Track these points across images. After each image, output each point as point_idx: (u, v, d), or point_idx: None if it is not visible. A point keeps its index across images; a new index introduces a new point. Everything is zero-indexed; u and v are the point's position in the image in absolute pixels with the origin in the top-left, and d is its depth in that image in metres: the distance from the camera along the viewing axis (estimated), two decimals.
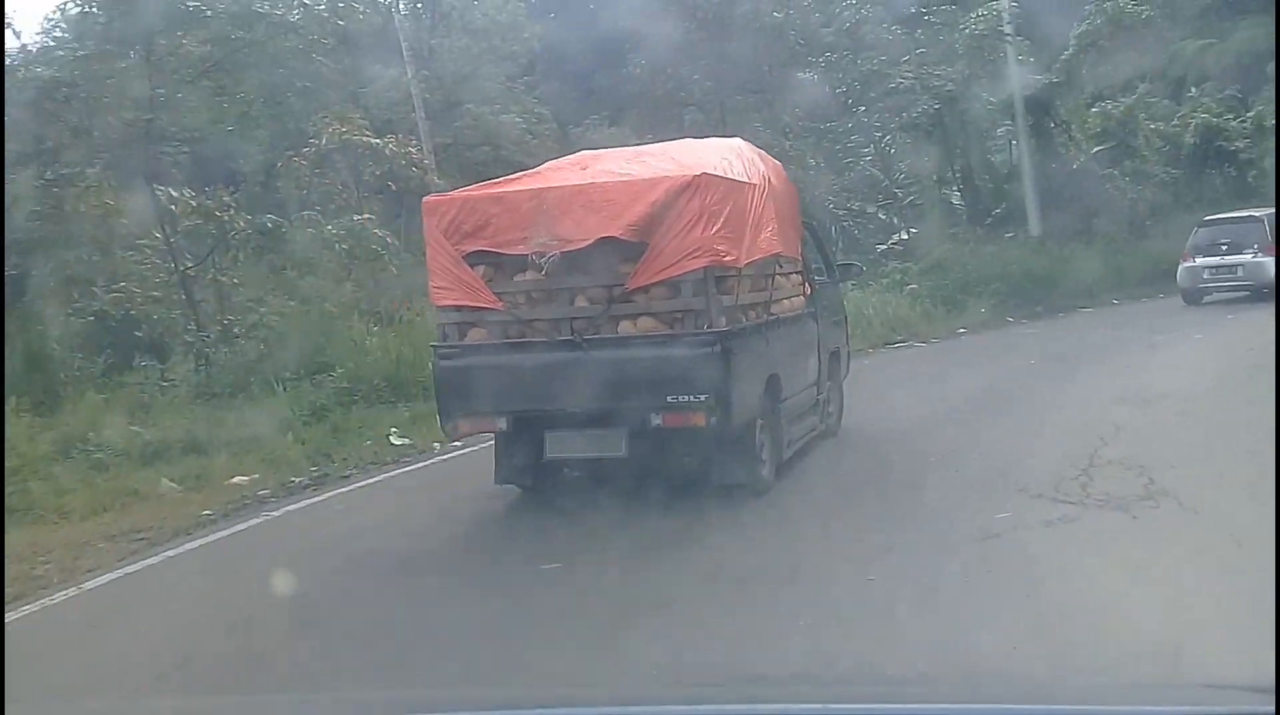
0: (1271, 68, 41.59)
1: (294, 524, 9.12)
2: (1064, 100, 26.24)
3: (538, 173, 8.70)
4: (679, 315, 7.49)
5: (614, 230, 7.27)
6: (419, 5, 39.35)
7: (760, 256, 8.22)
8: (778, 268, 8.77)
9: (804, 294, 9.59)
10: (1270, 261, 18.78)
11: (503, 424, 7.87)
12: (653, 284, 7.40)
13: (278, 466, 10.92)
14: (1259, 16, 48.29)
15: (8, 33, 17.94)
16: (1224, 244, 19.42)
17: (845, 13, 25.72)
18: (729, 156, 8.54)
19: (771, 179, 8.84)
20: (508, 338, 7.74)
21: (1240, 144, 28.25)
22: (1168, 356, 14.20)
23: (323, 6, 20.71)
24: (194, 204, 16.53)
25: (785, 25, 25.43)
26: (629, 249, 7.36)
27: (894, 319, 19.27)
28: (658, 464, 7.87)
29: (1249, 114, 30.06)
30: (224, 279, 16.55)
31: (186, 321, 16.14)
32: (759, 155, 9.27)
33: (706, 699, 2.57)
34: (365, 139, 19.72)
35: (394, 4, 34.48)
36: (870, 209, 27.22)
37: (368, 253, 16.50)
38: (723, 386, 7.33)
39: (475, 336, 7.82)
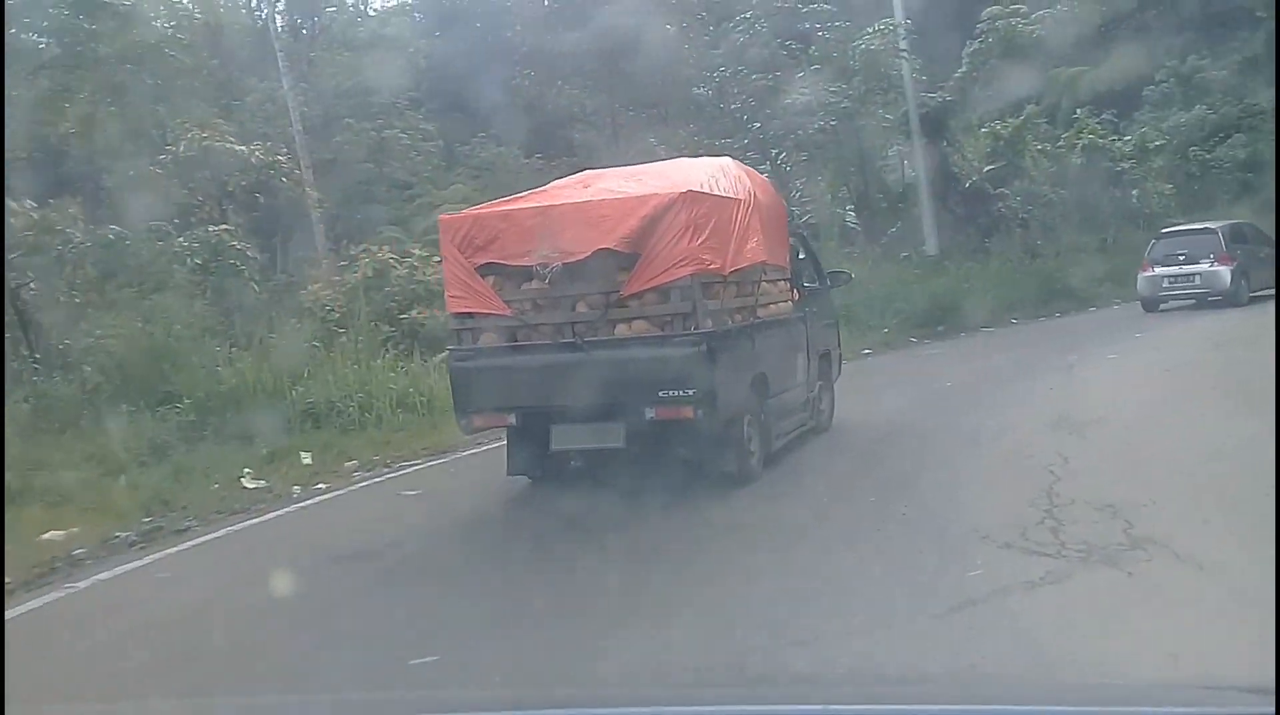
0: (1147, 91, 42.56)
1: (97, 601, 7.19)
2: (956, 119, 25.68)
3: (543, 191, 9.16)
4: (669, 318, 7.97)
5: (609, 242, 7.80)
6: (298, 18, 37.36)
7: (745, 264, 8.69)
8: (764, 275, 9.17)
9: (792, 299, 9.97)
10: (1225, 270, 19.70)
11: (512, 419, 8.45)
12: (645, 290, 7.91)
13: (103, 517, 8.99)
14: (1129, 45, 49.71)
15: None
16: (1181, 254, 20.14)
17: (736, 30, 24.74)
18: (716, 174, 9.04)
19: (757, 194, 9.25)
20: (515, 341, 8.28)
21: (1125, 165, 28.17)
22: (1087, 378, 13.31)
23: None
24: (35, 216, 14.50)
25: (678, 40, 24.38)
26: (623, 259, 7.88)
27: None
28: (653, 454, 8.30)
29: (1128, 138, 30.16)
30: (62, 298, 14.43)
31: (17, 346, 14.01)
32: (746, 173, 9.76)
33: (707, 700, 2.53)
34: (229, 146, 17.88)
35: (270, 15, 32.44)
36: None
37: (225, 267, 14.64)
38: (708, 383, 7.87)
39: (487, 340, 8.35)
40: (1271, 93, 48.70)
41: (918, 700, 2.45)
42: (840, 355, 11.75)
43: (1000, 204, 26.29)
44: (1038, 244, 26.19)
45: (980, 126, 27.96)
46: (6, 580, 7.39)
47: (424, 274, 17.14)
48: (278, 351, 12.77)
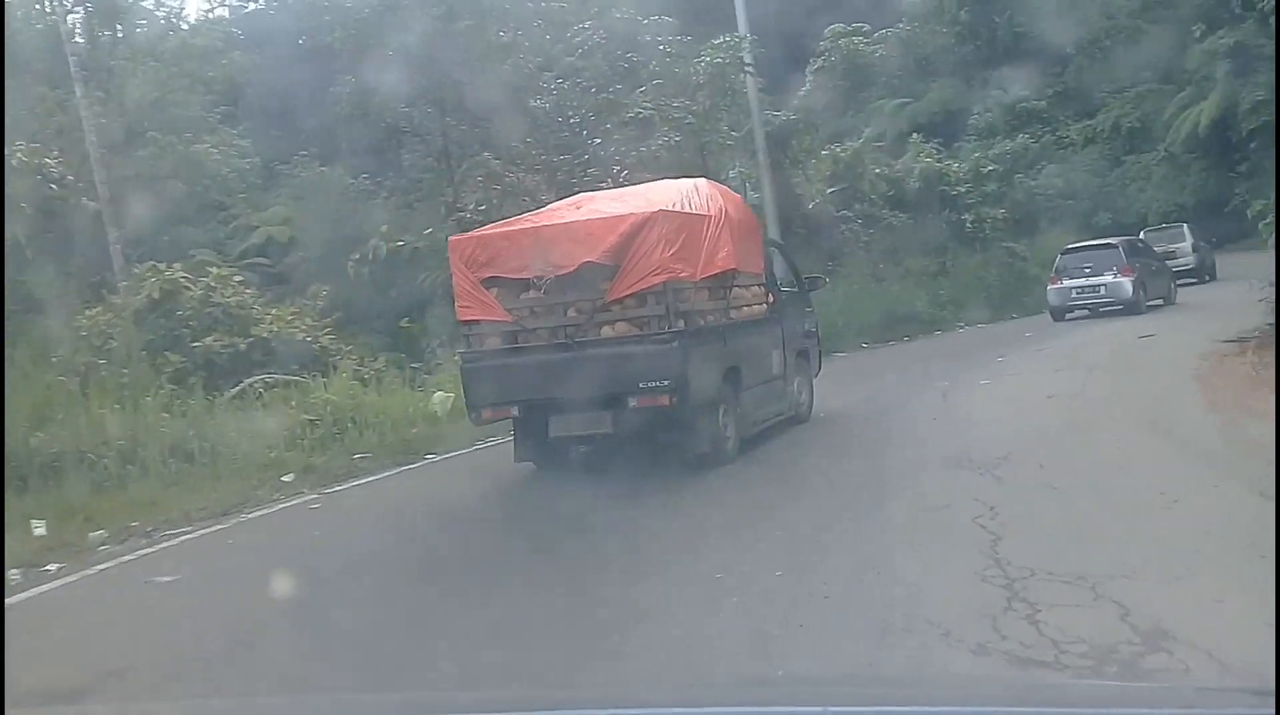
0: (972, 119, 42.99)
1: None
2: (800, 139, 24.58)
3: (540, 213, 10.28)
4: (646, 320, 8.79)
5: (593, 256, 8.65)
6: (97, 26, 33.65)
7: (716, 272, 9.44)
8: (735, 281, 9.96)
9: (766, 302, 10.79)
10: (1127, 281, 21.26)
11: (515, 411, 9.24)
12: (625, 296, 8.72)
13: None
14: (949, 79, 50.48)
15: None
16: (1087, 268, 21.55)
17: (577, 39, 22.98)
18: (690, 194, 9.87)
19: (729, 211, 9.97)
20: (516, 343, 9.12)
21: (961, 189, 27.70)
22: (968, 408, 11.89)
23: None
24: None
25: (513, 48, 22.42)
26: (606, 270, 8.71)
27: None
28: (639, 438, 9.10)
29: (964, 162, 29.85)
30: None
31: None
32: (720, 192, 10.61)
33: (706, 701, 2.52)
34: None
35: (61, 17, 28.87)
36: None
37: None
38: (681, 374, 8.64)
39: (491, 343, 9.24)
40: (1081, 125, 50.76)
41: (917, 702, 2.40)
42: (820, 353, 12.53)
43: (844, 227, 25.32)
44: (879, 267, 25.30)
45: (822, 148, 27.05)
46: None
47: (222, 295, 14.54)
48: (18, 390, 9.99)
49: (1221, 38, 44.58)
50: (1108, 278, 21.24)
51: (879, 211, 26.58)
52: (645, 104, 21.93)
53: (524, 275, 8.95)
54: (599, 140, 22.69)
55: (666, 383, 8.58)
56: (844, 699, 2.39)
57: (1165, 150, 47.09)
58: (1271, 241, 15.93)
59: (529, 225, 9.41)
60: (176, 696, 5.10)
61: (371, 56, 23.20)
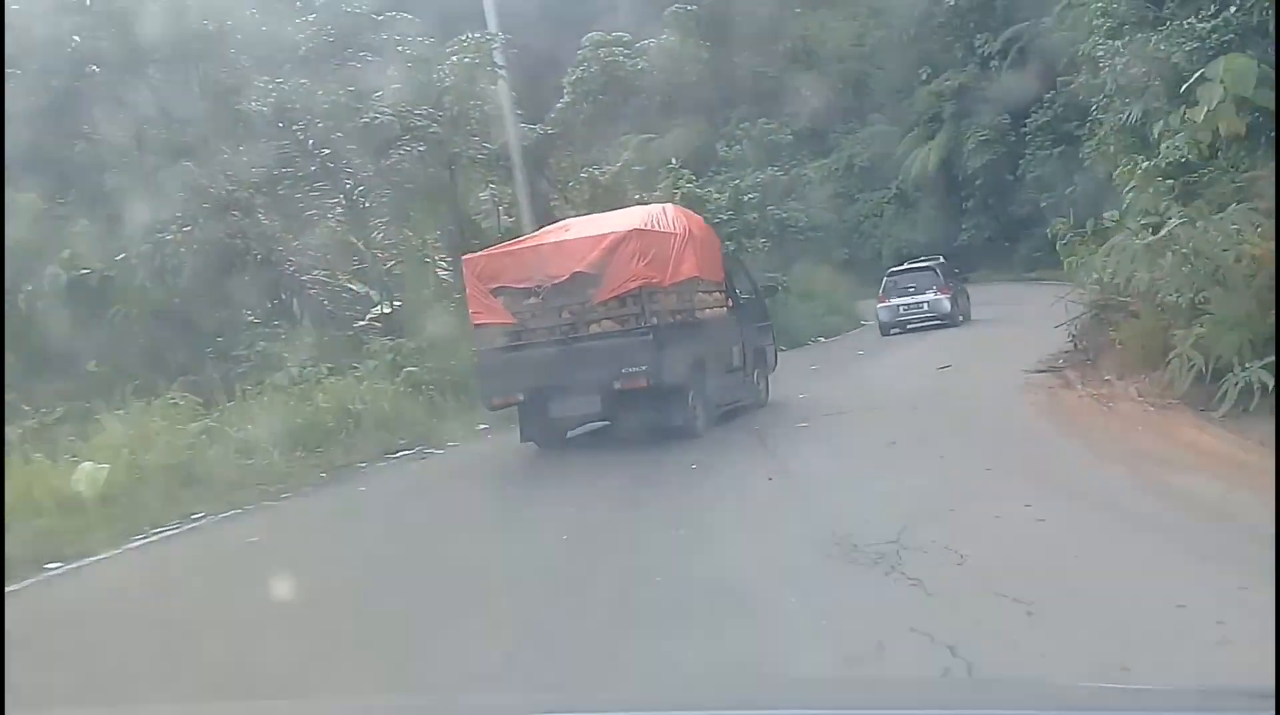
0: (723, 151, 42.07)
1: None
2: (559, 157, 21.94)
3: (535, 235, 12.44)
4: (626, 318, 10.52)
5: (581, 267, 10.42)
6: None
7: (681, 279, 11.24)
8: (699, 287, 11.81)
9: (726, 306, 12.56)
10: (946, 298, 23.81)
11: (520, 397, 10.82)
12: (608, 299, 10.48)
13: None
14: (693, 116, 49.75)
15: None
16: (910, 287, 23.94)
17: (299, 35, 19.36)
18: (659, 216, 11.83)
19: (692, 230, 11.95)
20: (520, 341, 10.77)
21: (724, 217, 25.94)
22: (816, 464, 9.40)
23: None
24: None
25: (219, 38, 18.54)
26: (593, 278, 10.40)
27: (393, 417, 13.02)
28: (624, 414, 10.79)
29: (719, 193, 28.23)
30: None
31: None
32: (685, 215, 12.61)
33: (706, 704, 2.48)
34: None
35: None
36: (341, 277, 20.81)
37: None
38: (655, 361, 10.31)
39: (499, 342, 10.84)
40: (817, 164, 51.32)
41: (916, 705, 2.36)
42: (776, 350, 14.29)
43: None
44: None
45: (581, 169, 24.56)
46: None
47: None
48: None
49: (947, 80, 46.36)
50: (929, 296, 23.80)
51: None
52: (383, 109, 18.65)
53: (526, 285, 10.44)
54: (327, 150, 19.15)
55: (644, 368, 10.09)
56: (845, 701, 2.37)
57: (896, 188, 48.34)
58: (1069, 264, 14.85)
59: (529, 245, 11.23)
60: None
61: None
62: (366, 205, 19.24)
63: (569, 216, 23.67)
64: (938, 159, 43.69)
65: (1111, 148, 21.19)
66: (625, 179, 25.47)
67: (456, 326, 16.89)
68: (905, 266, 25.55)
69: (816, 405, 12.77)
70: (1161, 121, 13.06)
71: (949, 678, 4.05)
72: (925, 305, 23.93)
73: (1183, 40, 15.16)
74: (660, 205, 12.89)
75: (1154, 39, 16.95)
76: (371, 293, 21.86)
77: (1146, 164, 12.70)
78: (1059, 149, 36.09)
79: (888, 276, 24.98)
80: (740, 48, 58.21)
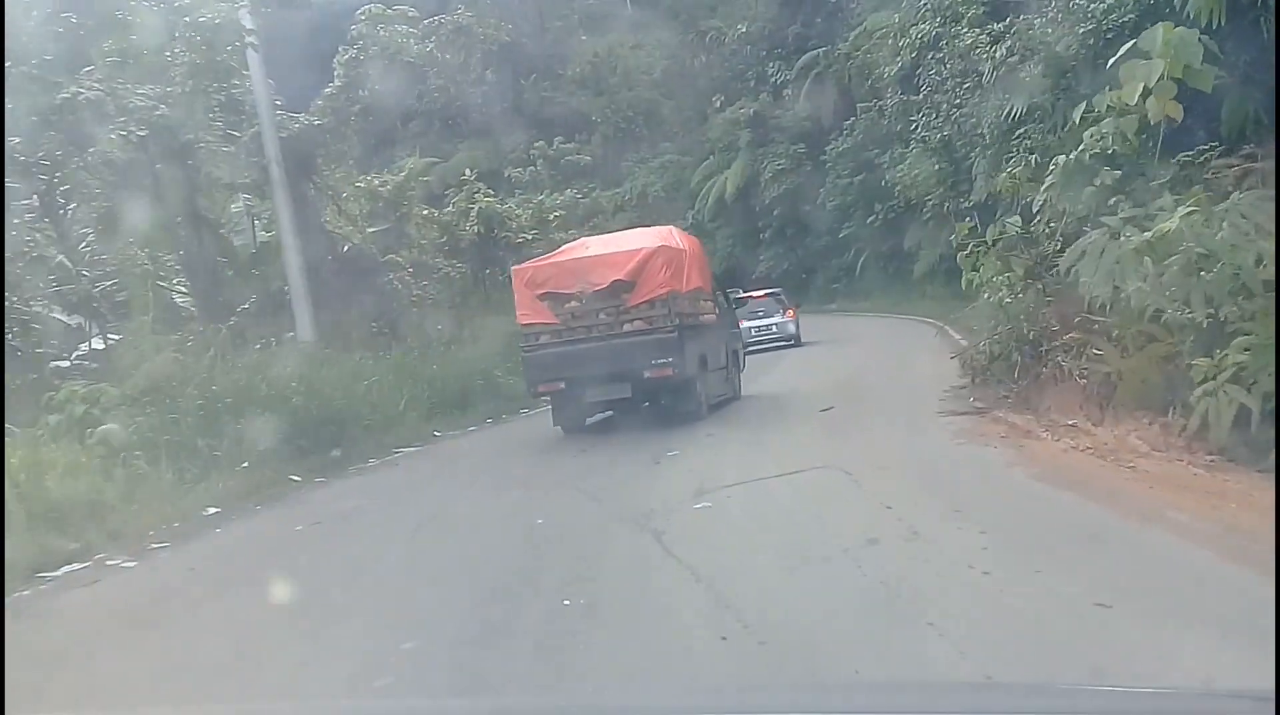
0: (515, 173, 38.44)
1: None
2: (329, 157, 17.67)
3: (566, 249, 13.39)
4: (655, 318, 11.82)
5: (620, 275, 11.69)
6: None
7: (691, 289, 12.67)
8: (700, 296, 13.36)
9: (714, 313, 14.04)
10: (791, 322, 25.10)
11: (562, 385, 11.86)
12: (639, 303, 11.83)
13: None
14: (477, 140, 46.01)
15: None
16: (760, 311, 24.93)
17: None
18: (669, 235, 13.19)
19: (691, 248, 13.45)
20: (562, 338, 11.96)
21: (528, 236, 22.32)
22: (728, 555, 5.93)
23: None
24: None
25: None
26: (626, 285, 11.72)
27: (65, 501, 8.39)
28: (649, 400, 12.17)
29: (521, 209, 24.62)
30: None
31: None
32: (682, 234, 13.97)
33: (705, 707, 2.49)
34: None
35: None
36: (47, 307, 15.71)
37: None
38: (679, 354, 11.71)
39: (544, 339, 12.06)
40: (610, 193, 48.51)
41: (921, 708, 2.34)
42: (743, 353, 16.09)
43: (391, 275, 18.77)
44: (439, 328, 19.00)
45: (358, 178, 20.37)
46: None
47: None
48: None
49: (741, 108, 44.71)
50: (777, 318, 25.03)
51: (432, 259, 20.40)
52: (95, 85, 13.95)
53: (569, 291, 11.75)
54: (17, 140, 14.16)
55: (670, 360, 11.58)
56: (844, 707, 2.35)
57: (693, 218, 46.22)
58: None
59: (572, 257, 12.43)
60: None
61: None
62: (68, 209, 14.35)
63: (345, 231, 19.64)
64: (734, 188, 41.73)
65: (990, 152, 19.28)
66: (412, 191, 21.45)
67: (188, 367, 12.41)
68: (753, 293, 26.54)
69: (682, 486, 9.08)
70: (1082, 105, 10.46)
71: (954, 681, 3.83)
72: (774, 327, 24.87)
73: (1076, 24, 12.91)
74: (667, 227, 14.12)
75: (1038, 23, 14.91)
76: (87, 323, 16.83)
77: (1067, 158, 10.03)
78: (859, 177, 34.68)
79: (736, 302, 25.72)
80: (526, 71, 55.13)
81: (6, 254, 13.29)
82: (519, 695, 4.10)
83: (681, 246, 12.81)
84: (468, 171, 23.73)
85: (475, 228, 21.21)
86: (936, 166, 26.88)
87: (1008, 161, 14.94)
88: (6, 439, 9.42)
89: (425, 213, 21.53)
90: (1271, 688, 2.18)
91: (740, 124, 41.99)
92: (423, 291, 19.50)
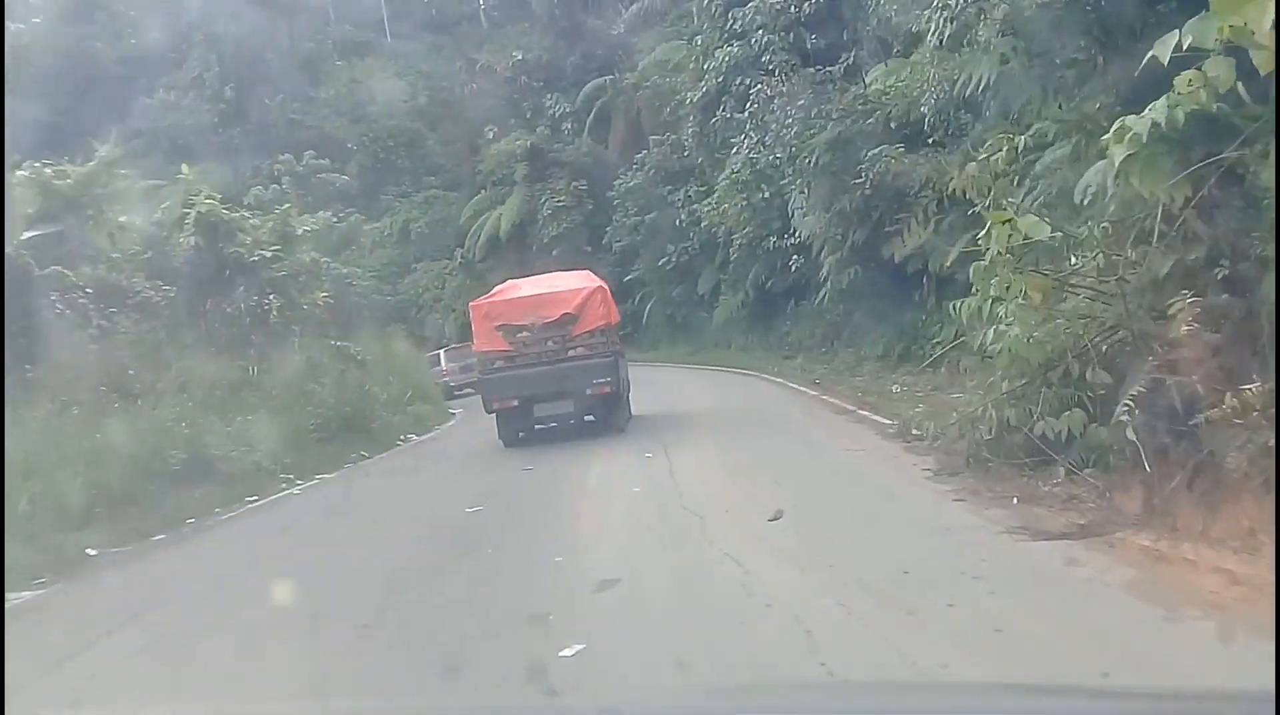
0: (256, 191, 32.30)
1: None
2: None
3: (502, 290, 14.67)
4: (594, 346, 13.53)
5: (569, 309, 13.43)
6: None
7: (612, 322, 14.45)
8: (615, 329, 14.94)
9: (618, 345, 15.24)
10: None
11: (515, 402, 13.27)
12: (583, 333, 13.49)
13: None
14: (217, 161, 39.26)
15: None
16: (471, 361, 22.63)
17: None
18: (592, 277, 15.15)
19: (607, 288, 14.87)
20: (515, 363, 13.41)
21: (266, 253, 16.77)
22: None
23: None
24: None
25: None
26: (574, 318, 13.44)
27: None
28: (590, 415, 13.70)
29: (258, 219, 18.99)
30: None
31: None
32: (597, 278, 15.36)
33: (704, 708, 2.45)
34: None
35: None
36: None
37: None
38: (615, 375, 13.56)
39: (499, 364, 13.56)
40: (370, 227, 42.80)
41: (915, 709, 2.31)
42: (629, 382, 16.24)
43: (58, 298, 12.84)
44: (129, 373, 13.19)
45: (19, 165, 14.32)
46: None
47: None
48: None
49: (517, 140, 40.44)
50: None
51: (126, 279, 14.57)
52: None
53: (522, 322, 13.25)
54: None
55: (608, 379, 13.26)
56: (842, 709, 2.30)
57: (462, 258, 41.34)
58: None
59: (521, 295, 13.92)
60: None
61: None
62: None
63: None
64: (509, 225, 37.24)
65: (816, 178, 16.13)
66: (103, 188, 15.49)
67: None
68: (456, 345, 25.84)
69: None
70: (1174, 36, 6.71)
71: (950, 681, 3.80)
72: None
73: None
74: (583, 272, 16.27)
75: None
76: None
77: (1150, 122, 6.25)
78: (650, 215, 31.15)
79: (444, 351, 25.90)
80: (272, 92, 48.53)
81: None
82: (520, 696, 4.06)
83: (601, 285, 14.53)
84: (185, 167, 17.87)
85: (192, 238, 15.49)
86: (747, 199, 23.63)
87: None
88: None
89: (123, 219, 15.59)
90: (1271, 688, 2.17)
91: (516, 157, 37.65)
92: (109, 321, 13.65)
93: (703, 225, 26.17)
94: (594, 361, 13.19)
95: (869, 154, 18.15)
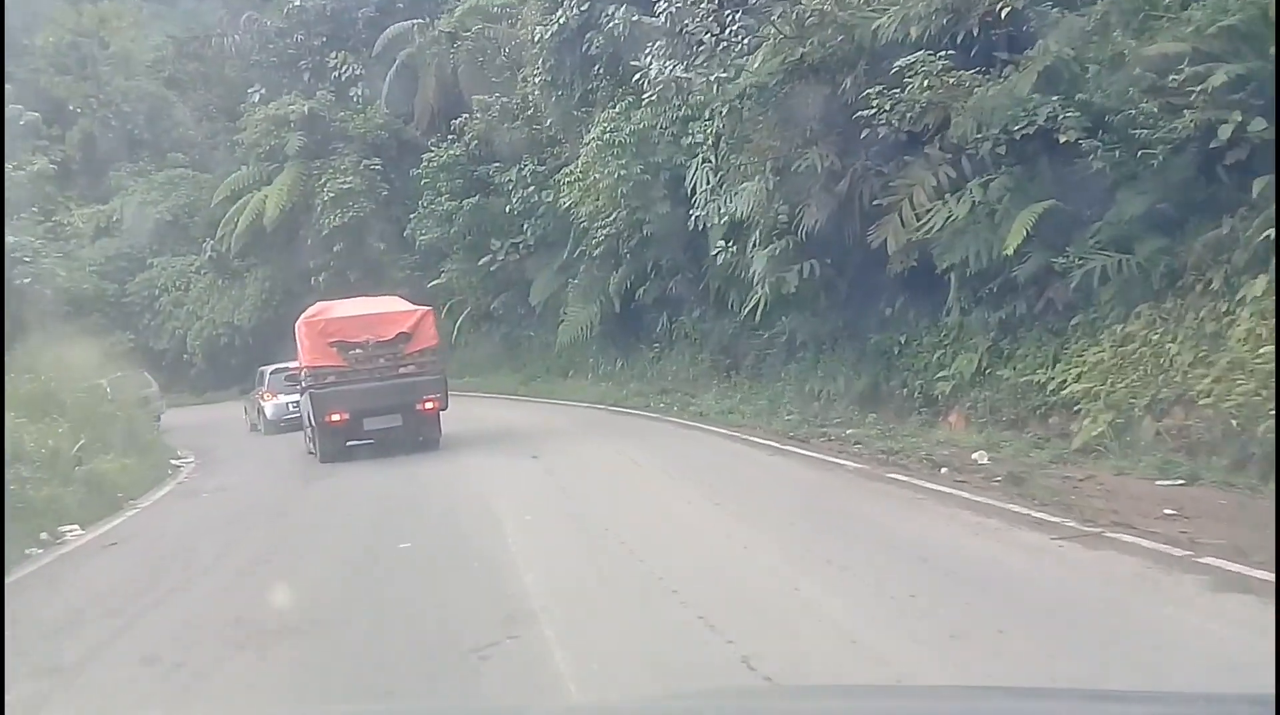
0: None
1: None
2: None
3: (347, 303, 14.92)
4: (424, 364, 13.71)
5: (405, 328, 13.62)
6: None
7: (436, 344, 14.46)
8: (438, 351, 14.65)
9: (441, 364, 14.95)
10: None
11: (347, 415, 13.28)
12: (414, 351, 13.65)
13: None
14: None
15: None
16: (290, 384, 19.62)
17: None
18: (406, 301, 15.30)
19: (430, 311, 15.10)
20: (348, 379, 13.36)
21: None
22: None
23: None
24: None
25: None
26: (408, 337, 13.61)
27: None
28: (414, 429, 13.64)
29: None
30: None
31: None
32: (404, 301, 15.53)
33: (703, 708, 2.37)
34: None
35: None
36: None
37: None
38: (444, 391, 13.65)
39: (331, 378, 13.41)
40: (91, 210, 32.30)
41: (915, 710, 2.22)
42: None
43: None
44: None
45: None
46: None
47: None
48: None
49: (292, 105, 31.36)
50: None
51: None
52: None
53: (356, 339, 13.36)
54: None
55: (437, 395, 13.48)
56: (845, 706, 2.25)
57: (213, 251, 31.73)
58: None
59: (360, 313, 13.99)
60: None
61: None
62: None
63: None
64: (277, 211, 28.25)
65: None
66: None
67: None
68: (285, 364, 18.92)
69: None
70: None
71: (949, 685, 3.74)
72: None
73: None
74: (392, 297, 16.04)
75: None
76: None
77: None
78: (470, 200, 23.42)
79: (271, 373, 20.03)
80: None
81: None
82: (519, 698, 4.05)
83: (427, 309, 14.69)
84: None
85: None
86: (624, 169, 16.53)
87: None
88: None
89: None
90: (1271, 689, 2.12)
91: (289, 125, 28.85)
92: None
93: (542, 215, 18.87)
94: (425, 378, 13.64)
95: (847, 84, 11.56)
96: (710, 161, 15.20)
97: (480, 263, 22.98)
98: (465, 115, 22.85)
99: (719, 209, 14.74)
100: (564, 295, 21.16)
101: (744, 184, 13.83)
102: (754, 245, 13.71)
